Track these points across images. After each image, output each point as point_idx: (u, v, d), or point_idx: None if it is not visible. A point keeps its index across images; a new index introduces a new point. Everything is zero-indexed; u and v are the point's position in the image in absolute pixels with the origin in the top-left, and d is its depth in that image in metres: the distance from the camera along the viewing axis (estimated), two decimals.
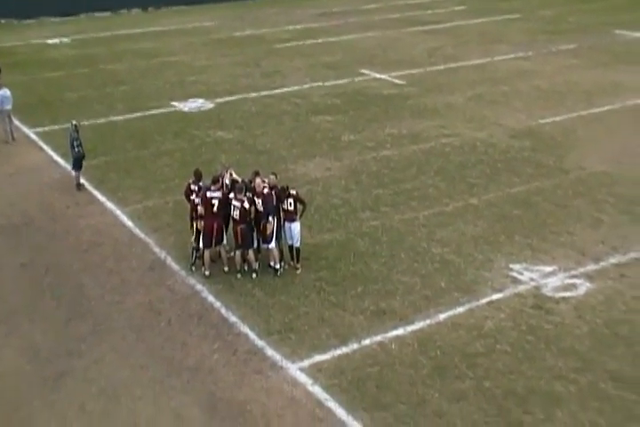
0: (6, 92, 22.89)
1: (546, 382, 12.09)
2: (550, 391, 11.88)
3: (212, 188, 15.00)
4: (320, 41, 35.48)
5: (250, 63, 31.72)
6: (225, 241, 15.43)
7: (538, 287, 14.78)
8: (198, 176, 15.69)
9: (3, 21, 40.25)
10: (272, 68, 30.77)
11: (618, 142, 22.13)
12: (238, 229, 14.99)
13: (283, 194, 15.14)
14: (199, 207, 15.08)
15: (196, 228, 15.37)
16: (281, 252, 15.48)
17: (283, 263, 15.51)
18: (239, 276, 15.20)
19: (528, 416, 11.38)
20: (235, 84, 28.71)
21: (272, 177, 15.45)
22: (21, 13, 40.47)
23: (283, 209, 15.19)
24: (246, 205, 14.81)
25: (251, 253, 15.21)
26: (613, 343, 13.03)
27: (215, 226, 15.03)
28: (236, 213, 14.88)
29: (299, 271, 15.42)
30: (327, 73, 29.89)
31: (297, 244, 15.39)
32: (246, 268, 15.39)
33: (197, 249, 15.50)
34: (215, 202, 14.93)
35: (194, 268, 15.58)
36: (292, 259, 15.57)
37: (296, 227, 15.28)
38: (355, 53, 33.05)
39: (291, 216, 15.22)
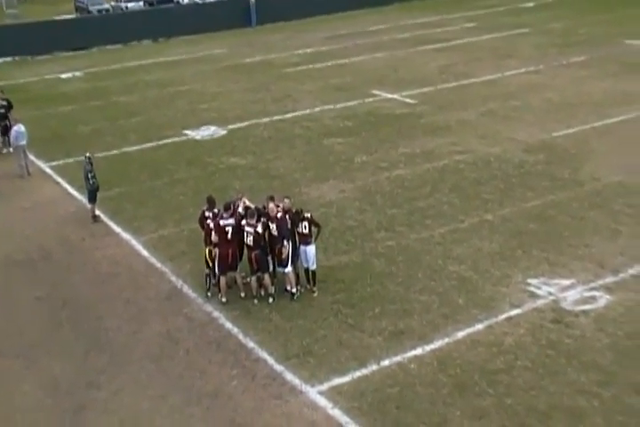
0: (21, 127, 23.17)
1: (568, 397, 11.92)
2: (573, 406, 11.70)
3: (225, 215, 15.04)
4: (329, 64, 35.67)
5: (260, 89, 31.94)
6: (239, 267, 15.42)
7: (556, 301, 14.63)
8: (212, 202, 15.73)
9: (17, 58, 40.85)
10: (283, 93, 30.95)
11: (632, 153, 21.96)
12: (253, 254, 14.98)
13: (297, 217, 15.15)
14: (213, 234, 15.11)
15: (210, 254, 15.39)
16: (297, 275, 15.46)
17: (299, 287, 15.48)
18: (256, 301, 15.17)
19: None
20: (246, 109, 28.89)
21: (286, 201, 15.45)
22: (35, 50, 41.08)
23: (298, 232, 15.19)
24: (259, 229, 14.82)
25: (267, 278, 15.19)
26: (636, 356, 12.84)
27: (230, 252, 15.05)
28: (249, 239, 14.89)
29: (315, 294, 15.37)
30: (338, 95, 30.01)
31: (313, 266, 15.36)
32: (263, 293, 15.36)
33: (211, 275, 15.52)
34: (229, 229, 14.95)
35: (209, 294, 15.58)
36: (309, 282, 15.54)
37: (311, 250, 15.26)
38: (365, 75, 33.17)
39: (306, 239, 15.21)
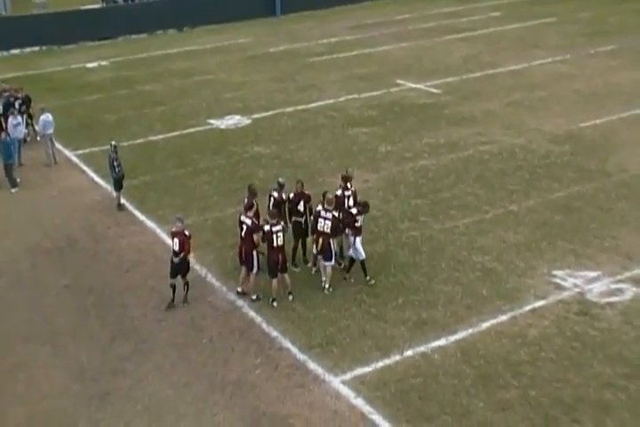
0: (48, 116, 23.30)
1: (594, 389, 11.86)
2: (599, 400, 11.64)
3: (249, 213, 15.05)
4: (354, 53, 35.51)
5: (285, 78, 31.88)
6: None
7: (582, 293, 14.53)
8: (253, 192, 15.78)
9: (44, 48, 41.03)
10: (307, 82, 30.87)
11: None
12: (279, 257, 14.84)
13: (364, 209, 15.36)
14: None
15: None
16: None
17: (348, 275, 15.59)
18: (275, 304, 14.90)
19: (576, 425, 11.18)
20: (271, 99, 28.86)
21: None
22: (62, 39, 41.21)
23: (355, 226, 15.19)
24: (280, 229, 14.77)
25: (286, 277, 15.09)
26: None
27: (244, 249, 15.06)
28: (279, 240, 14.75)
29: (372, 281, 15.32)
30: (362, 85, 29.88)
31: (362, 257, 15.42)
32: (282, 292, 15.16)
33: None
34: (244, 227, 14.96)
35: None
36: (348, 272, 15.62)
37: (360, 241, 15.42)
38: (389, 64, 32.99)
39: (360, 232, 15.36)
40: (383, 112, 26.42)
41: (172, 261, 14.93)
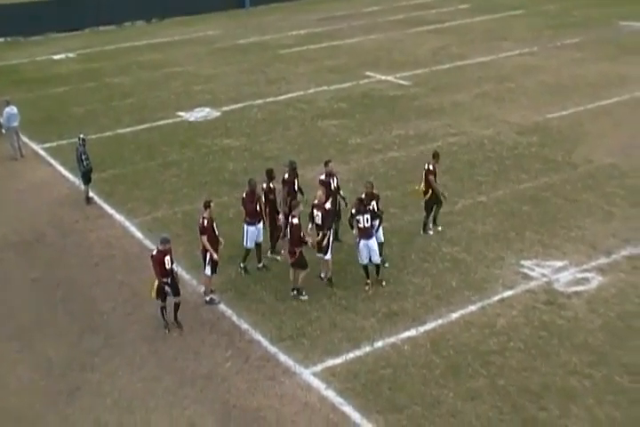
0: (13, 109, 23.03)
1: (560, 377, 12.02)
2: (565, 387, 11.80)
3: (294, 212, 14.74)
4: (324, 45, 35.49)
5: (255, 70, 31.78)
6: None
7: (549, 283, 14.70)
8: (269, 175, 15.89)
9: (9, 39, 40.49)
10: (277, 75, 30.80)
11: (625, 134, 22.00)
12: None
13: (361, 206, 14.64)
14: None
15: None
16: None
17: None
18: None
19: (543, 413, 11.31)
20: (240, 91, 28.76)
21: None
22: (28, 30, 40.71)
23: (358, 227, 14.59)
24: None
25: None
26: (627, 336, 12.94)
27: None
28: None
29: (384, 283, 14.92)
30: (332, 77, 29.87)
31: (378, 259, 14.82)
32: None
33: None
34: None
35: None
36: (377, 274, 14.98)
37: (374, 243, 14.70)
38: (359, 56, 33.02)
39: (367, 233, 14.61)
40: (353, 104, 26.44)
41: (166, 284, 13.71)
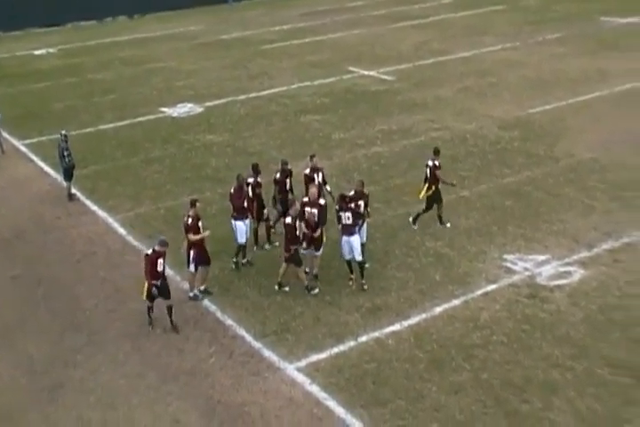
0: None
1: (542, 370, 12.08)
2: (547, 380, 11.86)
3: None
4: (306, 40, 35.45)
5: (237, 66, 31.70)
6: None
7: (532, 277, 14.76)
8: (255, 169, 15.87)
9: None
10: (259, 70, 30.74)
11: (606, 129, 22.11)
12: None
13: (343, 203, 14.58)
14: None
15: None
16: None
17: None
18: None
19: (526, 405, 11.36)
20: (223, 87, 28.68)
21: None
22: (7, 25, 40.42)
23: (341, 224, 14.50)
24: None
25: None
26: (608, 329, 13.01)
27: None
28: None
29: (366, 287, 14.69)
30: (315, 72, 29.86)
31: (359, 257, 14.68)
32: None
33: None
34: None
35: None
36: (361, 275, 14.76)
37: (355, 241, 14.56)
38: (342, 51, 33.01)
39: (349, 230, 14.51)
40: (336, 99, 26.43)
41: (155, 286, 13.53)
